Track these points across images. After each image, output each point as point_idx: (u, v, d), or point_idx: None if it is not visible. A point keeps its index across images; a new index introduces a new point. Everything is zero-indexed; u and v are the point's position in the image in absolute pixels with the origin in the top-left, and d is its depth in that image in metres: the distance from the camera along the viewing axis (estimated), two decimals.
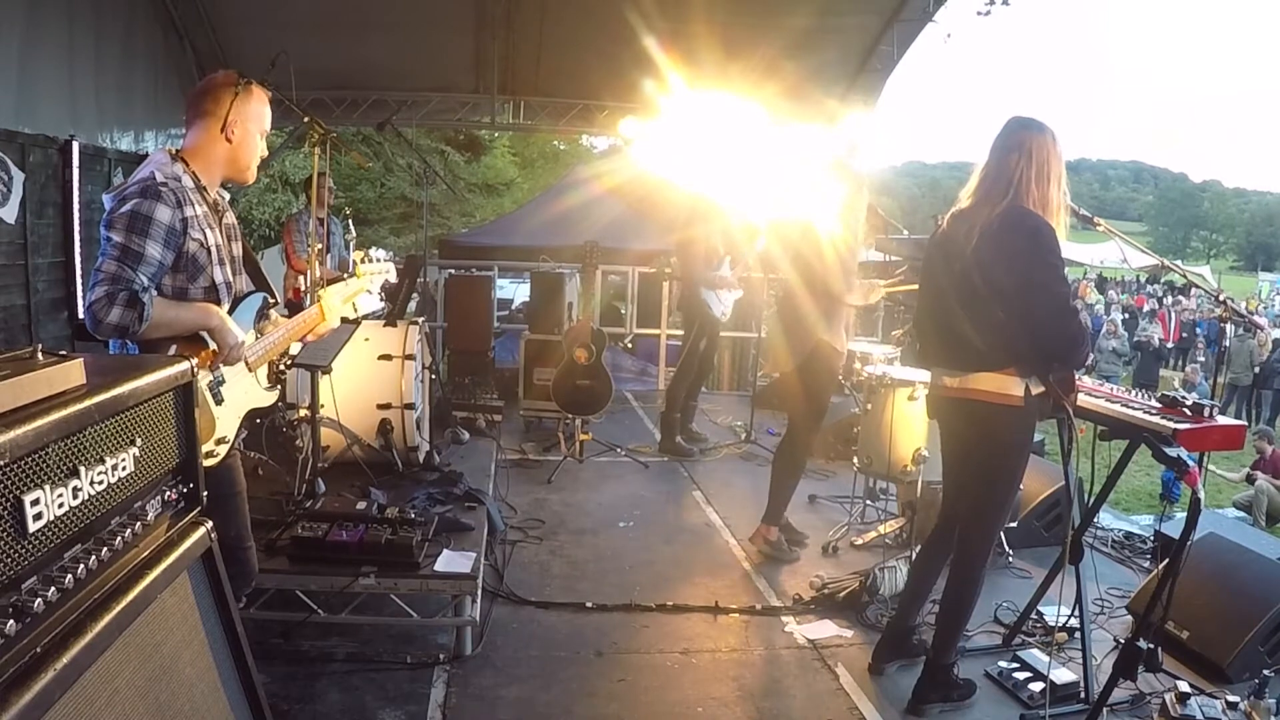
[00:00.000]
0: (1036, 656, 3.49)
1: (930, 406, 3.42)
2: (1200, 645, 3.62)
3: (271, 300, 2.76)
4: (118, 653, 1.63)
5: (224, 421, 2.47)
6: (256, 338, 2.66)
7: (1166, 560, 3.17)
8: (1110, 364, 15.42)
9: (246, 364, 2.57)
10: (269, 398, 2.75)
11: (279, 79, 3.62)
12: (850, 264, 4.49)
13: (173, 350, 2.34)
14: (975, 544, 3.21)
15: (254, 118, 2.58)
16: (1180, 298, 24.81)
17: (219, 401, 2.44)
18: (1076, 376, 3.14)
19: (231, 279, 2.63)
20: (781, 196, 5.96)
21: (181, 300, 2.44)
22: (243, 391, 2.58)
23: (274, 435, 4.67)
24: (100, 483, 1.61)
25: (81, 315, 2.36)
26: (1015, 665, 3.46)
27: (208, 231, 2.48)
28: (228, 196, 2.74)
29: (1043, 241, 2.90)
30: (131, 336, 2.31)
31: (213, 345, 2.43)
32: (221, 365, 2.46)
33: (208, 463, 2.35)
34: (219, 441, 2.44)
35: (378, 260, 3.22)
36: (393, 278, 3.35)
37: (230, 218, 2.68)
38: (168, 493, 1.90)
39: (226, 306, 2.55)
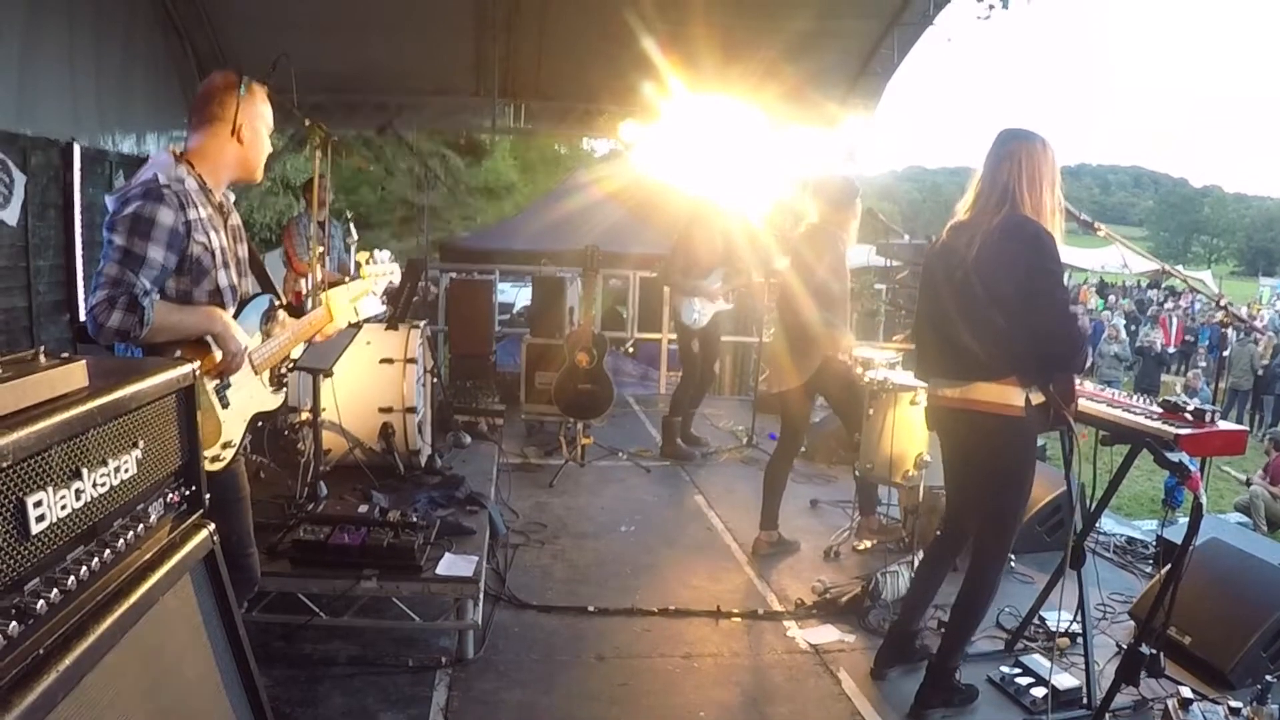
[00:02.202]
0: (1039, 662, 3.48)
1: (930, 417, 3.42)
2: (1203, 651, 3.61)
3: (278, 302, 2.75)
4: (120, 655, 1.62)
5: (230, 425, 2.46)
6: (263, 340, 2.65)
7: (1169, 565, 3.17)
8: (1112, 369, 15.44)
9: (253, 366, 2.56)
10: (275, 401, 2.74)
11: (280, 82, 3.60)
12: (842, 276, 4.51)
13: (177, 355, 2.32)
14: (990, 551, 3.20)
15: (260, 116, 2.58)
16: (1179, 302, 24.88)
17: (225, 405, 2.43)
18: (1077, 384, 3.15)
19: (237, 281, 2.61)
20: (782, 202, 5.97)
21: (186, 304, 2.42)
22: (248, 395, 2.57)
23: (276, 439, 4.68)
24: (103, 485, 1.61)
25: (84, 318, 2.34)
26: (1018, 670, 3.45)
27: (212, 234, 2.46)
28: (233, 198, 2.73)
29: (1042, 248, 2.92)
30: (133, 341, 2.28)
31: (216, 350, 2.41)
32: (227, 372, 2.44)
33: (214, 467, 2.35)
34: (225, 445, 2.43)
35: (382, 263, 3.21)
36: (396, 280, 3.34)
37: (236, 219, 2.67)
38: (170, 495, 1.90)
39: (232, 311, 2.53)
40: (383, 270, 3.21)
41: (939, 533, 3.49)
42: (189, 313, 2.39)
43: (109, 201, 2.37)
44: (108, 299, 2.23)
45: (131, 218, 2.29)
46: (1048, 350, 2.97)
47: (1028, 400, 2.99)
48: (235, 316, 2.53)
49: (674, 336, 8.31)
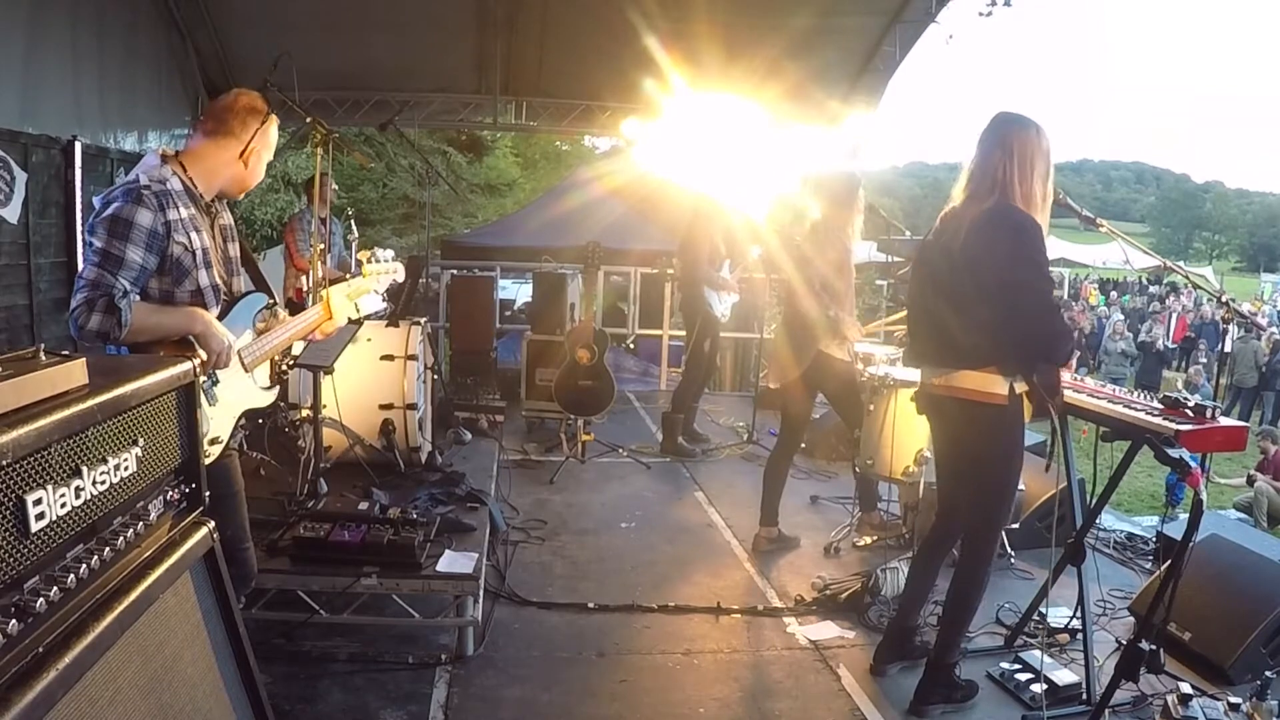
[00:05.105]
0: (1038, 657, 3.48)
1: (919, 403, 3.43)
2: (1202, 647, 3.61)
3: (271, 300, 2.75)
4: (120, 652, 1.63)
5: (218, 421, 2.45)
6: (255, 338, 2.65)
7: (1169, 561, 3.17)
8: (1119, 365, 15.46)
9: (243, 364, 2.56)
10: (266, 398, 2.74)
11: (281, 79, 3.62)
12: (846, 272, 4.51)
13: (161, 356, 2.32)
14: (978, 544, 3.21)
15: (269, 146, 2.62)
16: (1181, 298, 24.90)
17: (212, 402, 2.43)
18: (1077, 379, 3.15)
19: (223, 281, 2.61)
20: (783, 197, 5.96)
21: (168, 304, 2.43)
22: (238, 392, 2.57)
23: (276, 435, 4.68)
24: (103, 482, 1.61)
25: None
26: (1017, 666, 3.45)
27: (193, 235, 2.46)
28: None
29: (1026, 238, 2.92)
30: (114, 342, 2.29)
31: (200, 350, 2.40)
32: (213, 370, 2.44)
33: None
34: (212, 441, 2.43)
35: (384, 261, 3.21)
36: (400, 278, 3.34)
37: (226, 218, 2.68)
38: (170, 493, 1.90)
39: (216, 310, 2.53)
40: (384, 269, 3.21)
41: (933, 526, 3.50)
42: (169, 313, 2.40)
43: (96, 203, 2.39)
44: (86, 301, 2.26)
45: (110, 219, 2.31)
46: (1030, 341, 2.97)
47: (1011, 389, 3.00)
48: (225, 315, 2.53)
49: (676, 333, 8.33)
